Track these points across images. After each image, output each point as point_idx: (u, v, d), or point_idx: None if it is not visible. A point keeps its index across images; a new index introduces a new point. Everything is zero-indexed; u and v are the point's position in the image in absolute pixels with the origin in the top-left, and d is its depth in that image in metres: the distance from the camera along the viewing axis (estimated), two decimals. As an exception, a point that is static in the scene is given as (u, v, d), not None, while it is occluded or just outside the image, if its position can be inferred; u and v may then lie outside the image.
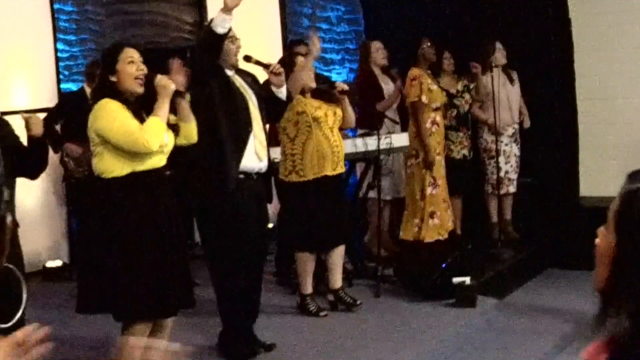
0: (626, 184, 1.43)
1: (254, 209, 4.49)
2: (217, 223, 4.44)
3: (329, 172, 5.24)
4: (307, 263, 5.34)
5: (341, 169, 5.38)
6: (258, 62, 4.67)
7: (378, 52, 6.72)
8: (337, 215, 5.31)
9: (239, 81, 4.57)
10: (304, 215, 5.23)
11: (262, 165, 4.54)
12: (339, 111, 5.33)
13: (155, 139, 3.72)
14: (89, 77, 6.28)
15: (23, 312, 3.49)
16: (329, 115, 5.27)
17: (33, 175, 3.95)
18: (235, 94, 4.48)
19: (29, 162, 3.78)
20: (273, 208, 7.11)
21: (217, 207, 4.41)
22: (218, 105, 4.39)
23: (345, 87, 5.35)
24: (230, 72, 4.55)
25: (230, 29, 4.49)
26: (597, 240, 1.45)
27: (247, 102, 4.51)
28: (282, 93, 4.68)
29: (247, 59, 4.69)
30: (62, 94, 6.54)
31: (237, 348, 4.57)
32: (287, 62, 5.23)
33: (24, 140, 3.84)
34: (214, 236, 4.50)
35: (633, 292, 1.34)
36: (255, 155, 4.48)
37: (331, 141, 5.24)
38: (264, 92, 4.67)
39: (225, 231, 4.40)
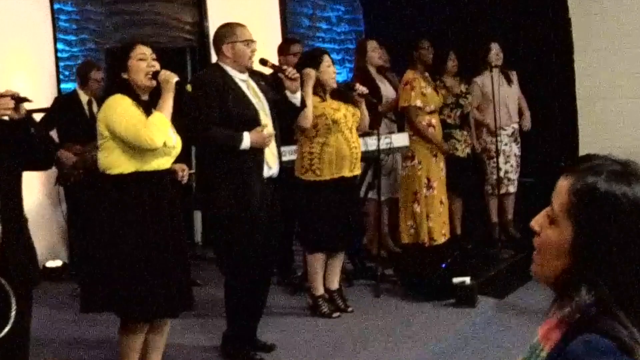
0: (570, 176, 1.44)
1: (264, 213, 4.45)
2: (229, 227, 4.40)
3: (347, 174, 5.23)
4: (317, 264, 5.32)
5: (357, 170, 5.37)
6: (274, 66, 4.62)
7: (374, 52, 6.70)
8: (350, 217, 5.31)
9: (252, 86, 4.53)
10: (319, 215, 5.21)
11: (271, 172, 4.50)
12: (357, 112, 5.33)
13: (159, 135, 3.73)
14: (81, 78, 6.28)
15: (26, 314, 3.46)
16: (347, 117, 5.25)
17: (42, 165, 3.72)
18: (243, 107, 4.41)
19: (32, 154, 3.69)
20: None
21: (229, 212, 4.38)
22: (224, 119, 4.34)
23: (365, 90, 5.34)
24: (243, 76, 4.50)
25: (244, 35, 4.48)
26: (543, 235, 1.48)
27: (257, 112, 4.44)
28: (296, 98, 4.63)
29: (263, 62, 4.64)
30: (55, 97, 6.50)
31: (240, 350, 4.57)
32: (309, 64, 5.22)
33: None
34: (226, 240, 4.48)
35: (599, 279, 1.38)
36: (264, 164, 4.45)
37: (350, 142, 5.22)
38: (278, 95, 4.62)
39: (236, 235, 4.37)
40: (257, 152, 4.38)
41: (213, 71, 4.52)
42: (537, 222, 1.50)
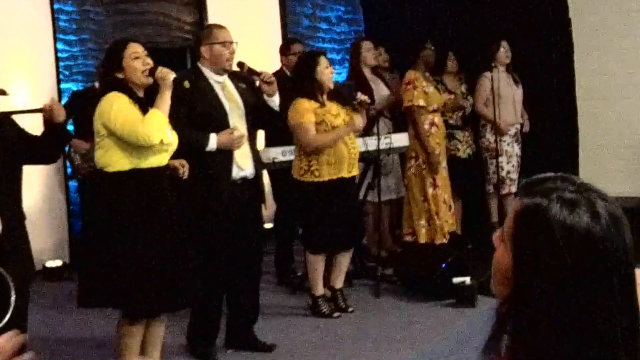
0: (521, 197, 1.31)
1: (237, 214, 4.44)
2: (198, 226, 4.38)
3: (345, 175, 5.23)
4: (318, 264, 5.32)
5: (356, 171, 5.38)
6: (250, 70, 4.58)
7: (369, 52, 6.67)
8: (350, 217, 5.31)
9: (228, 88, 4.51)
10: (318, 216, 5.22)
11: (243, 173, 4.48)
12: (355, 115, 5.33)
13: (157, 132, 3.75)
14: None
15: (22, 310, 3.48)
16: (346, 120, 5.25)
17: (50, 160, 3.98)
18: (212, 108, 4.40)
19: (44, 149, 3.76)
20: (273, 208, 7.10)
21: (198, 211, 4.37)
22: (192, 119, 4.33)
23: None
24: (220, 78, 4.49)
25: (222, 37, 4.45)
26: (495, 254, 1.34)
27: (226, 114, 4.42)
28: (273, 102, 4.57)
29: (240, 65, 4.60)
30: (73, 92, 6.54)
31: (201, 346, 4.59)
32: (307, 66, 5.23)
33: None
34: (195, 239, 4.47)
35: (526, 324, 1.25)
36: (234, 165, 4.43)
37: (348, 144, 5.22)
38: (258, 100, 4.58)
39: (204, 235, 4.35)
40: (224, 153, 4.37)
41: (188, 72, 4.51)
42: (495, 237, 1.36)
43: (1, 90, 3.87)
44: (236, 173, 4.45)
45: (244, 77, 4.64)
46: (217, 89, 4.48)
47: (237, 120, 4.47)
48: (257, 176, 4.59)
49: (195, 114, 4.35)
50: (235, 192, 4.44)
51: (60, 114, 3.72)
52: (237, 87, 4.56)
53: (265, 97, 4.55)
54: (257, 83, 4.61)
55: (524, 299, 1.26)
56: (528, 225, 1.27)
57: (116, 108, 3.76)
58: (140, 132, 3.71)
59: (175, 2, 7.48)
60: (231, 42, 4.48)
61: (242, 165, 4.47)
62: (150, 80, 3.85)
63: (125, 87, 3.84)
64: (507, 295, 1.31)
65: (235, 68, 4.59)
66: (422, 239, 6.51)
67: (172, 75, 3.85)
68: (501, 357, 1.30)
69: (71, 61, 6.82)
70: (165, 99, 3.83)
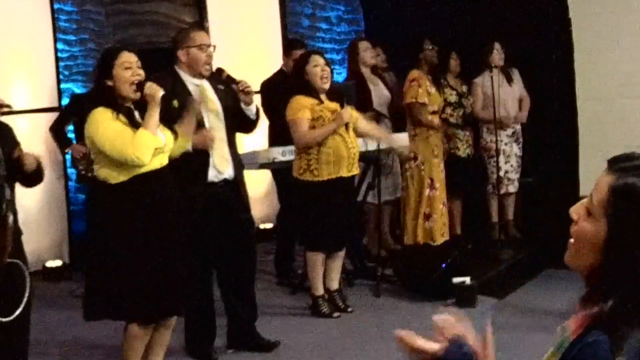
0: (613, 174, 1.44)
1: (219, 214, 4.43)
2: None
3: (344, 174, 5.23)
4: (317, 263, 5.32)
5: (356, 170, 5.37)
6: (229, 77, 4.54)
7: (366, 52, 6.65)
8: (348, 216, 5.31)
9: (206, 92, 4.47)
10: (317, 215, 5.22)
11: (223, 176, 4.46)
12: (354, 112, 5.32)
13: (146, 152, 3.71)
14: None
15: (26, 308, 3.50)
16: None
17: (28, 186, 3.93)
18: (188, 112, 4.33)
19: (24, 176, 3.76)
20: (272, 208, 7.11)
21: None
22: (168, 122, 4.22)
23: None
24: (197, 81, 4.45)
25: (199, 40, 4.41)
26: (579, 226, 1.48)
27: (202, 119, 4.38)
28: (250, 110, 4.54)
29: (219, 71, 4.56)
30: (73, 95, 6.54)
31: (199, 347, 4.60)
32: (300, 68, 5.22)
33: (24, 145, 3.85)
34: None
35: (623, 283, 1.39)
36: (213, 169, 4.42)
37: (348, 143, 5.21)
38: (237, 103, 4.54)
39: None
40: (200, 156, 4.33)
41: (164, 75, 4.37)
42: (576, 211, 1.50)
43: (7, 105, 3.86)
44: (215, 176, 4.43)
45: (222, 82, 4.60)
46: (195, 92, 4.43)
47: (215, 125, 4.45)
48: (237, 179, 4.55)
49: (171, 116, 4.19)
50: (216, 193, 4.43)
51: (29, 164, 3.66)
52: (216, 90, 4.52)
53: (242, 105, 4.52)
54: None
55: (620, 268, 1.40)
56: (625, 201, 1.41)
57: (102, 129, 3.72)
58: (130, 155, 3.68)
59: (175, 2, 7.48)
60: (208, 45, 4.43)
61: (221, 169, 4.44)
62: (139, 95, 3.79)
63: (112, 96, 3.78)
64: (595, 264, 1.44)
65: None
66: (410, 240, 6.53)
67: (160, 93, 3.79)
68: (585, 320, 1.43)
69: (71, 61, 6.82)
70: (153, 117, 3.77)
